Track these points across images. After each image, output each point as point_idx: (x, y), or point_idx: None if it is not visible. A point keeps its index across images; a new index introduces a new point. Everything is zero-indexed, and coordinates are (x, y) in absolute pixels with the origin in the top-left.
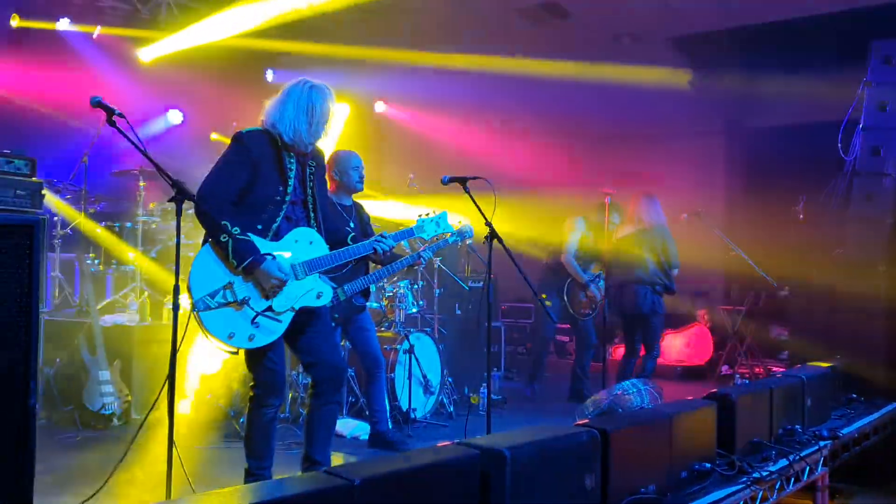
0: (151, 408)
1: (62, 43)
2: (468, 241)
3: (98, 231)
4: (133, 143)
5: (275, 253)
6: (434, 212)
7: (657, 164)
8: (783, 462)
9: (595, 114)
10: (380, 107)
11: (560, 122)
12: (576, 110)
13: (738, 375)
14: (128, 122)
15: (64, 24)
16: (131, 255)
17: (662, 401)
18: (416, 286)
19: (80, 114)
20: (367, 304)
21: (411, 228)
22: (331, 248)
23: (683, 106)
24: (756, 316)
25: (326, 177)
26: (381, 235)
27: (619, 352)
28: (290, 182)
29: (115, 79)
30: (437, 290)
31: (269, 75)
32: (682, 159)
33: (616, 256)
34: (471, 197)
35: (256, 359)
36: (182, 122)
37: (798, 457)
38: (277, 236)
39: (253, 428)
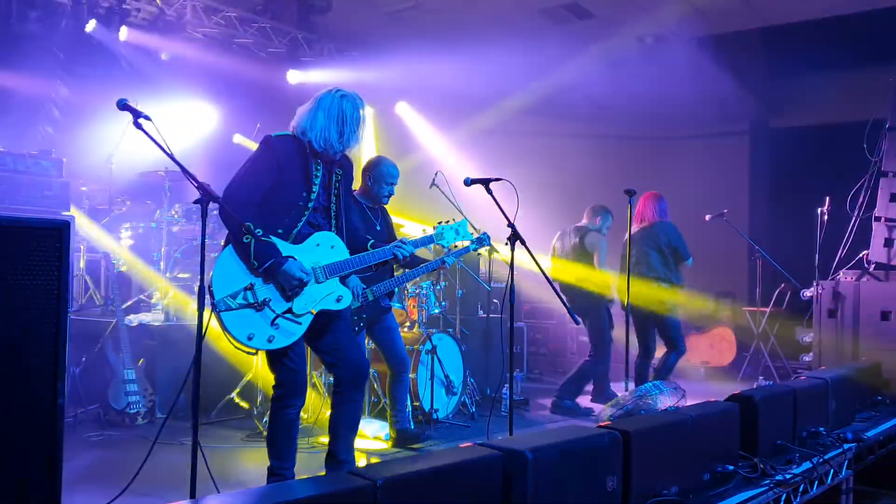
0: (173, 405)
1: (90, 44)
2: (486, 249)
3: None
4: (159, 145)
5: (296, 255)
6: (454, 220)
7: (681, 164)
8: (807, 465)
9: (619, 114)
10: (402, 108)
11: (584, 122)
12: (600, 110)
13: (761, 377)
14: (154, 125)
15: (91, 26)
16: (156, 254)
17: (685, 402)
18: (438, 287)
19: (107, 115)
20: (392, 303)
21: (431, 235)
22: (351, 253)
23: (708, 106)
24: (780, 317)
25: (361, 177)
26: (402, 241)
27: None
28: (315, 188)
29: (140, 79)
30: (460, 291)
31: (291, 76)
32: (706, 160)
33: (621, 256)
34: (493, 198)
35: (277, 359)
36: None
37: (822, 459)
38: (299, 240)
39: (275, 428)
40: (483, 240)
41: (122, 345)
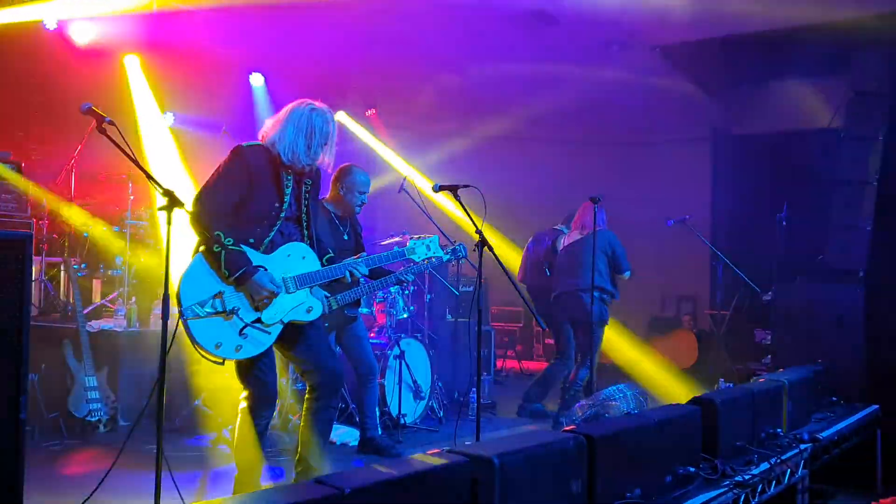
0: (140, 416)
1: (42, 42)
2: (461, 261)
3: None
4: (123, 151)
5: (267, 266)
6: (425, 235)
7: (645, 169)
8: (765, 465)
9: (582, 119)
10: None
11: (546, 127)
12: (564, 117)
13: (722, 379)
14: (118, 130)
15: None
16: (119, 259)
17: (647, 405)
18: (406, 292)
19: (71, 117)
20: (360, 310)
21: (402, 250)
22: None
23: (670, 112)
24: (740, 320)
25: (332, 186)
26: (356, 259)
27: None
28: (286, 199)
29: (104, 82)
30: (428, 296)
31: (255, 79)
32: (668, 165)
33: (563, 262)
34: (462, 205)
35: (246, 370)
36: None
37: (779, 460)
38: (270, 250)
39: (243, 438)
40: (458, 251)
41: (83, 351)
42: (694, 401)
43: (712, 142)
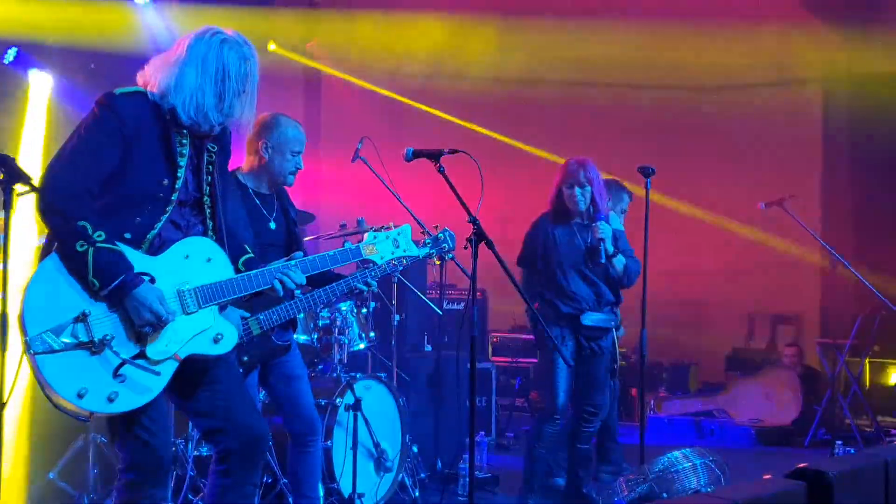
0: None
1: None
2: (447, 259)
3: None
4: None
5: (154, 273)
6: (392, 226)
7: (720, 126)
8: None
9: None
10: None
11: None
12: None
13: (839, 442)
14: None
15: None
16: None
17: (728, 481)
18: (364, 310)
19: None
20: (295, 337)
21: (357, 247)
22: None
23: (762, 44)
24: (867, 354)
25: (248, 147)
26: (288, 260)
27: (665, 405)
28: (181, 173)
29: None
30: (397, 317)
31: None
32: (757, 120)
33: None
34: (447, 180)
35: (125, 429)
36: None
37: None
38: (158, 249)
39: None
40: (441, 245)
41: None
42: (797, 473)
43: (824, 84)
